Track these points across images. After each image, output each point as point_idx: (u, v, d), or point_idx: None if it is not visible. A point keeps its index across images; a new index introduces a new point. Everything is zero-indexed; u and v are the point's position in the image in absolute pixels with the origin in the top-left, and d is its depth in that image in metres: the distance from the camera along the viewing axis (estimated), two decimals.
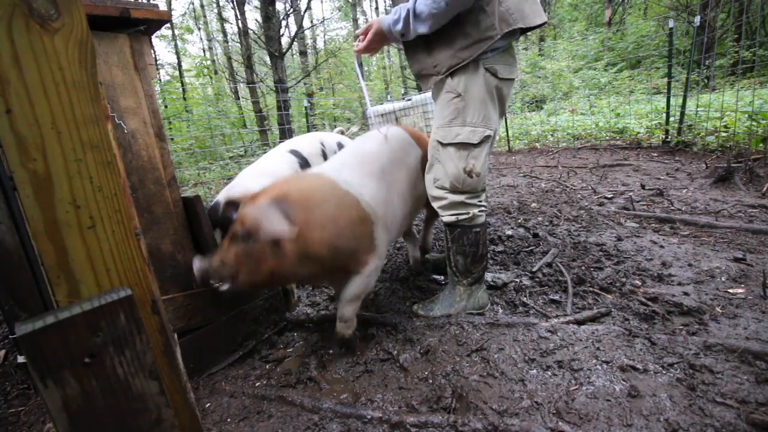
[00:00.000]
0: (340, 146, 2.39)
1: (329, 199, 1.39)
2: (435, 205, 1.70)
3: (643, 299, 1.72)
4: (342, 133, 2.88)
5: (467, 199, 1.64)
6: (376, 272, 1.55)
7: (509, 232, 2.70)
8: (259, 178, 1.84)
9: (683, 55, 7.22)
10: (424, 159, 1.78)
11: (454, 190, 1.62)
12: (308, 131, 6.97)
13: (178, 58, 14.16)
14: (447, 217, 1.67)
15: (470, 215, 1.64)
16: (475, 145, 1.57)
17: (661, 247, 2.24)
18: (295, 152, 2.17)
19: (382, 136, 1.75)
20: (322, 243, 1.33)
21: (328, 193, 1.40)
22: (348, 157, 1.66)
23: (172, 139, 8.21)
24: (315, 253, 1.32)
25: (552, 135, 6.75)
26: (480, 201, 1.68)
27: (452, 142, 1.58)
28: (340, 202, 1.40)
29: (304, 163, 2.14)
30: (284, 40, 8.22)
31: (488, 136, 1.59)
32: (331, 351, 1.64)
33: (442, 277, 2.16)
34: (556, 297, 1.83)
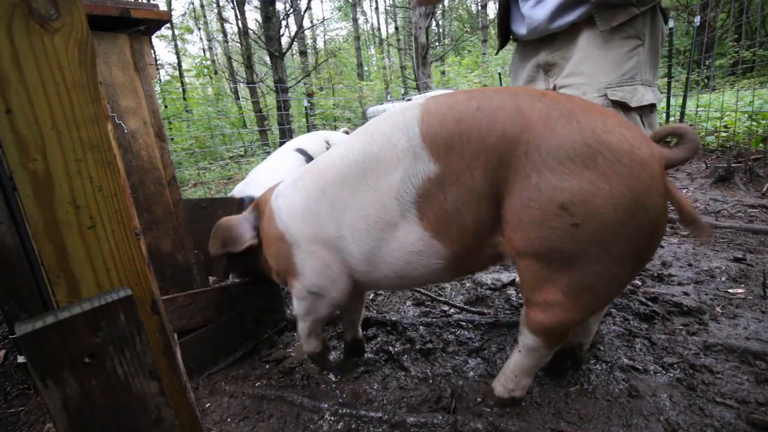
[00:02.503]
0: None
1: (267, 209, 1.34)
2: None
3: (643, 299, 1.72)
4: (347, 133, 2.91)
5: None
6: (308, 302, 1.29)
7: None
8: (271, 174, 2.03)
9: (683, 55, 7.21)
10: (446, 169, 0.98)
11: None
12: (308, 131, 6.98)
13: (178, 58, 14.17)
14: None
15: None
16: (653, 110, 1.24)
17: (661, 247, 2.24)
18: (301, 150, 2.24)
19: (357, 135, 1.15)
20: (267, 253, 1.37)
21: (269, 203, 1.34)
22: (309, 165, 1.32)
23: (172, 139, 8.21)
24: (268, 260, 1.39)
25: None
26: None
27: (638, 106, 1.20)
28: (269, 215, 1.32)
29: (310, 161, 2.20)
30: (284, 40, 8.22)
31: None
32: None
33: None
34: None
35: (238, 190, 2.06)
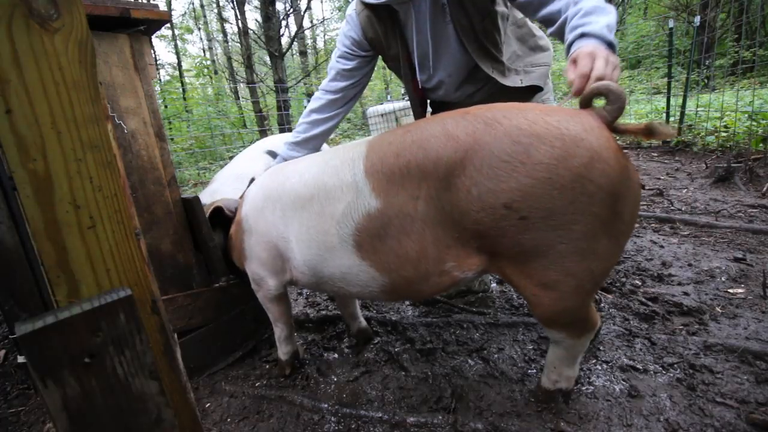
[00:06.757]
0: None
1: (245, 194, 1.44)
2: None
3: (643, 299, 1.72)
4: None
5: None
6: (256, 287, 1.40)
7: None
8: (236, 182, 1.79)
9: (683, 55, 7.21)
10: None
11: None
12: None
13: (178, 58, 14.15)
14: None
15: None
16: None
17: (661, 247, 2.24)
18: (272, 153, 1.98)
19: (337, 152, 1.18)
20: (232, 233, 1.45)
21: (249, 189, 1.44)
22: (281, 165, 1.42)
23: (172, 139, 8.20)
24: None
25: None
26: None
27: None
28: (243, 199, 1.42)
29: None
30: (284, 40, 8.21)
31: None
32: (331, 352, 1.64)
33: None
34: None
35: (205, 200, 1.67)
